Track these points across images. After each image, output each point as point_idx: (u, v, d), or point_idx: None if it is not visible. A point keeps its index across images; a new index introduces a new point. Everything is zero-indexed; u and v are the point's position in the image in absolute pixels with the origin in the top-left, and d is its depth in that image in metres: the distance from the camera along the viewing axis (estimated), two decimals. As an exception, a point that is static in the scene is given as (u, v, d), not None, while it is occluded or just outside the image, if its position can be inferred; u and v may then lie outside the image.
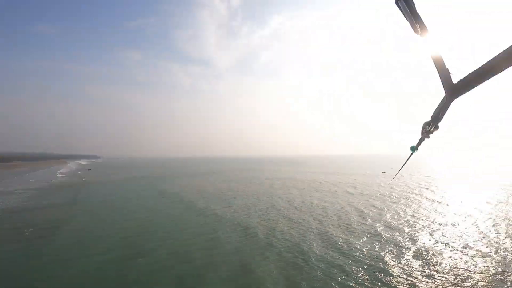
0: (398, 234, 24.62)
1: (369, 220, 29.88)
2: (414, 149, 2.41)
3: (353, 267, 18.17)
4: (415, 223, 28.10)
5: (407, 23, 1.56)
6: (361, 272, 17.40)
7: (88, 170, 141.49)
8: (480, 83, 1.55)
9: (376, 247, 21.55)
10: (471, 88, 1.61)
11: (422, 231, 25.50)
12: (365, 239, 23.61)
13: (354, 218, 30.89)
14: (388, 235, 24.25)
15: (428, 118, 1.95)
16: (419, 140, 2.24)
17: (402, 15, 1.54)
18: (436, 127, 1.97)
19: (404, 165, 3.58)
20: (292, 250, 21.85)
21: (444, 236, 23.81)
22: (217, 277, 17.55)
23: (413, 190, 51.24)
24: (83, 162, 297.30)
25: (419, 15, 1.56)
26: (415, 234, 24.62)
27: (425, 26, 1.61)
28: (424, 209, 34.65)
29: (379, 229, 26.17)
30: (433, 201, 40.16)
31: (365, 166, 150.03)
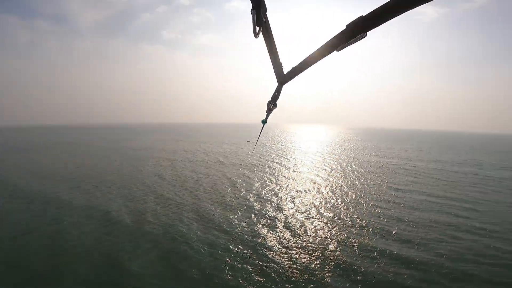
0: (268, 204, 27.11)
1: (242, 191, 31.56)
2: (264, 121, 2.84)
3: (239, 245, 18.33)
4: (280, 192, 32.00)
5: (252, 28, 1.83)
6: (246, 249, 17.79)
7: None
8: (297, 75, 2.21)
9: (254, 220, 22.81)
10: (292, 78, 2.27)
11: (286, 199, 29.24)
12: (242, 212, 24.56)
13: (229, 190, 31.84)
14: (260, 207, 26.25)
15: (269, 99, 2.56)
16: (266, 115, 2.75)
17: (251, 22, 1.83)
18: (275, 105, 2.61)
19: (259, 135, 4.28)
20: (172, 233, 19.78)
21: (302, 203, 28.20)
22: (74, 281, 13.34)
23: (274, 158, 58.92)
24: None
25: (263, 21, 1.87)
26: (281, 203, 27.83)
27: (267, 32, 2.06)
28: (284, 177, 40.28)
29: (252, 200, 28.02)
30: (289, 169, 47.52)
31: (232, 134, 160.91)
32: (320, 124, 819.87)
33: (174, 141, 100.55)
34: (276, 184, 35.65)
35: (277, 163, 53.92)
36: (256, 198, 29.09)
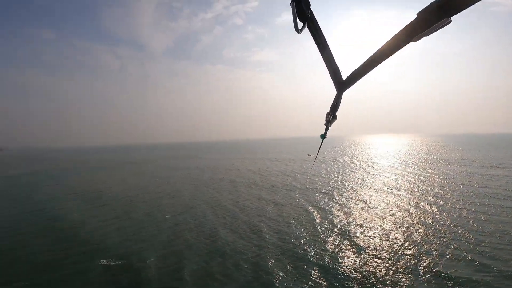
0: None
1: (327, 229, 27.51)
2: (323, 136, 2.49)
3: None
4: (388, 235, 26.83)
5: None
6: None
7: None
8: (360, 78, 1.94)
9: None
10: (354, 83, 1.99)
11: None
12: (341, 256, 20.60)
13: (307, 222, 28.18)
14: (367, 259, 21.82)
15: (328, 110, 2.23)
16: (325, 129, 2.39)
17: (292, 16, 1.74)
18: (334, 117, 2.26)
19: (319, 150, 3.64)
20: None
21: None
22: None
23: (365, 184, 52.79)
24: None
25: (308, 16, 1.80)
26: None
27: (315, 29, 1.90)
28: (389, 207, 34.52)
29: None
30: (390, 194, 41.16)
31: (290, 150, 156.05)
32: (392, 134, 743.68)
33: (239, 159, 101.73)
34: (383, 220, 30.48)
35: (370, 187, 47.87)
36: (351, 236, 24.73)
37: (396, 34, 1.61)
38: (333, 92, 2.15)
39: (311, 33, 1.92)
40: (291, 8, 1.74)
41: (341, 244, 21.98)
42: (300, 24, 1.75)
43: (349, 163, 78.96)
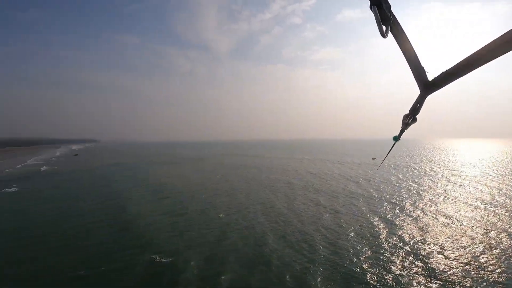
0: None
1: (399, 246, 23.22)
2: (396, 138, 2.41)
3: None
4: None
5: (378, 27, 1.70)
6: None
7: (75, 155, 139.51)
8: (452, 81, 1.78)
9: None
10: (444, 85, 1.84)
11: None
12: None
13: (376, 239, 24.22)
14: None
15: (407, 111, 2.13)
16: (400, 131, 2.31)
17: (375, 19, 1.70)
18: (414, 120, 2.14)
19: (388, 153, 3.55)
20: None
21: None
22: None
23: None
24: (74, 146, 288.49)
25: (390, 19, 1.75)
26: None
27: (397, 30, 1.85)
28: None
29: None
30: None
31: (353, 152, 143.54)
32: (483, 139, 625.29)
33: (298, 160, 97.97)
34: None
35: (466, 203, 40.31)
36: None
37: (503, 35, 1.45)
38: (411, 93, 2.10)
39: (393, 35, 1.87)
40: (372, 13, 1.70)
41: (411, 266, 17.93)
42: (383, 28, 1.73)
43: (427, 170, 67.90)
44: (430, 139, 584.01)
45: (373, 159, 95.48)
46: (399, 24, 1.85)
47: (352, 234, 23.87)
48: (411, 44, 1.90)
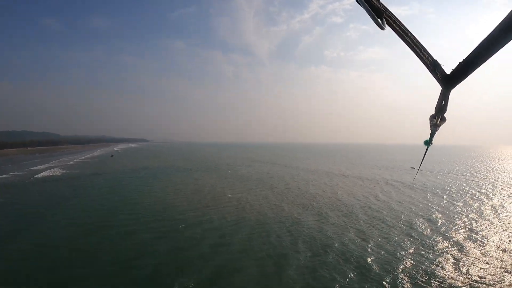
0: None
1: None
2: (428, 143, 2.14)
3: None
4: None
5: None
6: None
7: (111, 156, 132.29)
8: (473, 71, 1.61)
9: None
10: (465, 77, 1.66)
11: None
12: None
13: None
14: None
15: (433, 112, 1.92)
16: (430, 134, 2.06)
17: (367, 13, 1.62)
18: (443, 119, 1.93)
19: (423, 160, 3.16)
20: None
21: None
22: None
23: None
24: (120, 146, 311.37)
25: (382, 10, 1.65)
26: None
27: (395, 23, 1.73)
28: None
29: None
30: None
31: (388, 158, 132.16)
32: None
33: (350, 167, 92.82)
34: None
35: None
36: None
37: None
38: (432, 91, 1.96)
39: (390, 27, 1.74)
40: (361, 6, 1.61)
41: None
42: (378, 20, 1.62)
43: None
44: (496, 147, 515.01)
45: (412, 168, 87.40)
46: (394, 16, 1.75)
47: None
48: (414, 37, 1.76)
